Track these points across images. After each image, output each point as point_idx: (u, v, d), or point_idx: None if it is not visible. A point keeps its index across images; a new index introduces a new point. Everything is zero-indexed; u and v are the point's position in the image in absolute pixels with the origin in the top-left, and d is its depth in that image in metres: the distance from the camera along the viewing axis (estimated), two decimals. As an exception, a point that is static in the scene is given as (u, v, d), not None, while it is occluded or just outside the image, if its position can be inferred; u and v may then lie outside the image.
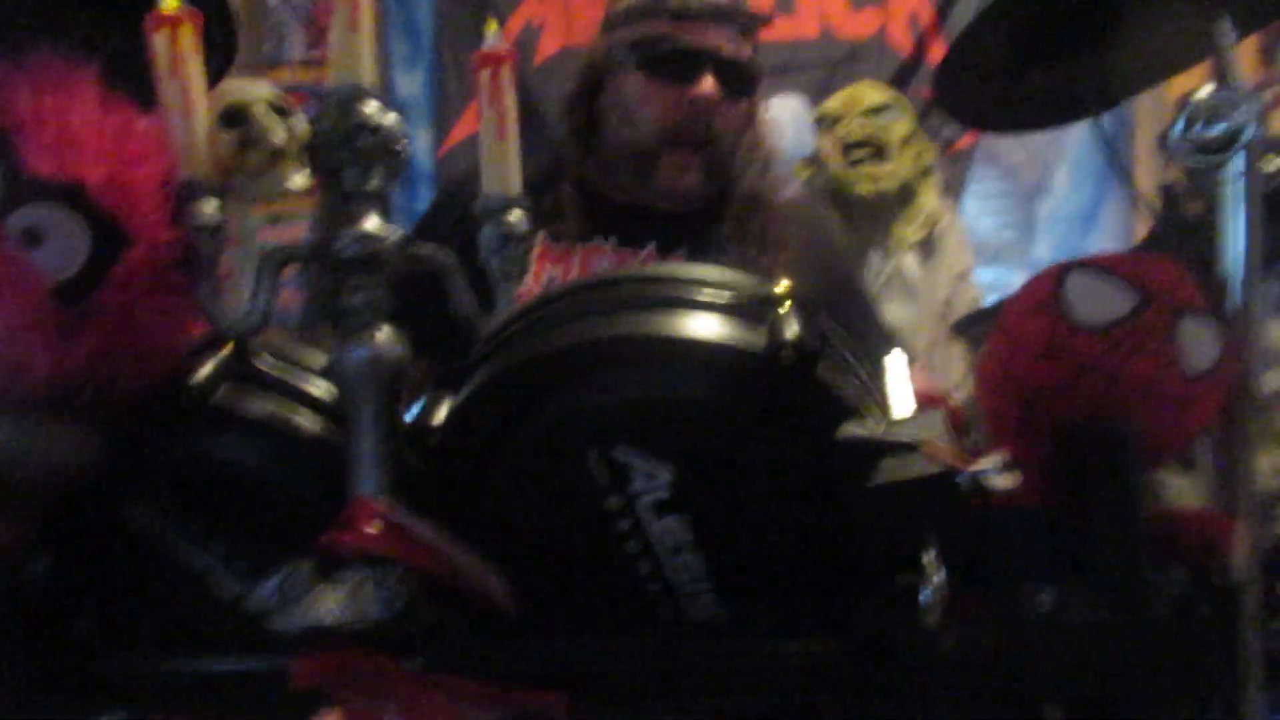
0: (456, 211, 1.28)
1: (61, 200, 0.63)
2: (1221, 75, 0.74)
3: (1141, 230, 2.75)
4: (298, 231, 3.14)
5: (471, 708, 0.62)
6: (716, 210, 1.39)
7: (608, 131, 1.37)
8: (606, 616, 0.68)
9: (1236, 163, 0.72)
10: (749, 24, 1.37)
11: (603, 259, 1.34)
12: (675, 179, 1.35)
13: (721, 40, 1.34)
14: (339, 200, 0.70)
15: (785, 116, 2.99)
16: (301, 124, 0.75)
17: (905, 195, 2.53)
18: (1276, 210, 0.77)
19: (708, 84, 1.31)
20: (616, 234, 1.36)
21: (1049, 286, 0.72)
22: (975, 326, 2.11)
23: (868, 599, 0.64)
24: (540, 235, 1.31)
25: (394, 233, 0.69)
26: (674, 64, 1.32)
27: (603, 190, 1.37)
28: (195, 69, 0.68)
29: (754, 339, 0.61)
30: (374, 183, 0.70)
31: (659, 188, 1.35)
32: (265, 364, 0.73)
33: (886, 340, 1.50)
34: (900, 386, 0.73)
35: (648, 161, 1.34)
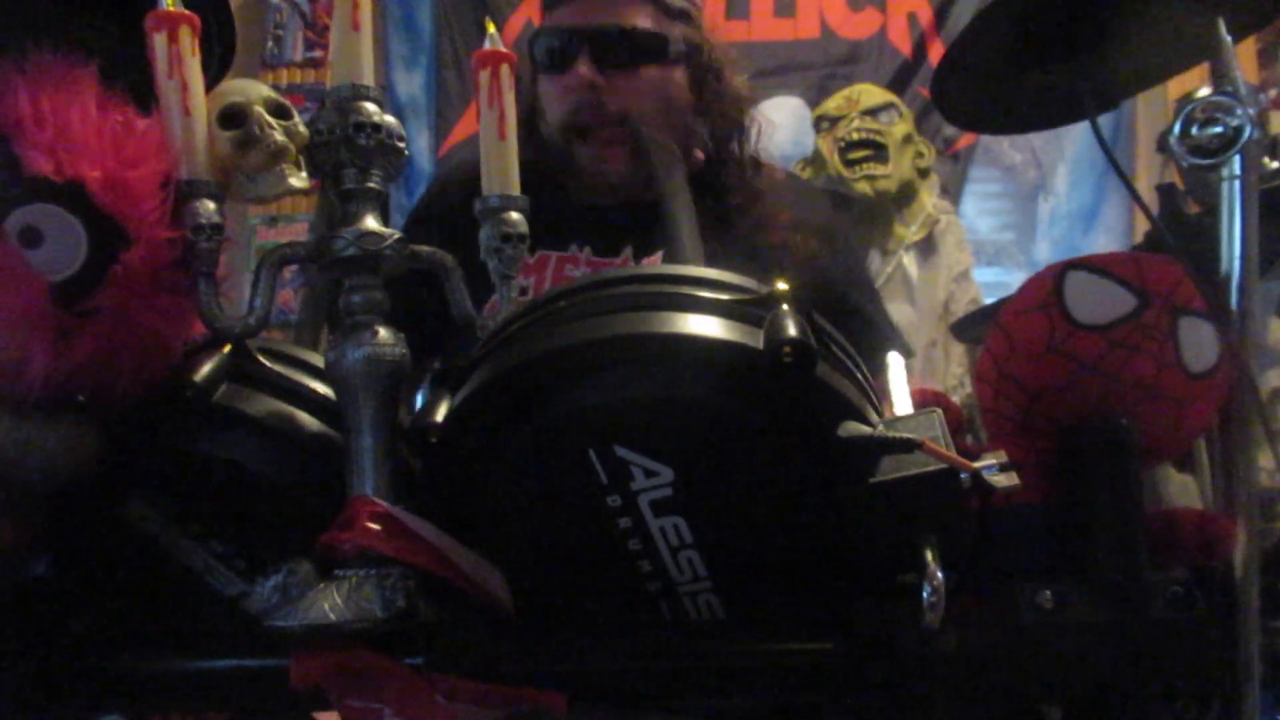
0: (448, 204, 1.22)
1: (61, 200, 0.62)
2: (1220, 76, 0.74)
3: (1141, 230, 2.75)
4: (298, 231, 3.15)
5: (471, 708, 0.62)
6: (702, 198, 1.25)
7: (535, 131, 1.30)
8: (606, 616, 0.68)
9: (1235, 164, 0.72)
10: None
11: (577, 268, 1.28)
12: (597, 169, 1.26)
13: (597, 13, 1.23)
14: (339, 200, 0.70)
15: (785, 116, 3.00)
16: (301, 125, 0.74)
17: (905, 195, 2.53)
18: (1275, 210, 0.77)
19: (581, 67, 1.22)
20: (589, 240, 1.29)
21: (1049, 286, 0.73)
22: (975, 326, 2.12)
23: (868, 599, 0.64)
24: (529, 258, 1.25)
25: (393, 233, 0.69)
26: (552, 53, 1.25)
27: (564, 193, 1.29)
28: (194, 69, 0.68)
29: (753, 338, 0.61)
30: (374, 183, 0.70)
31: (586, 181, 1.27)
32: (265, 364, 0.73)
33: (889, 326, 1.45)
34: (900, 386, 0.73)
35: (566, 157, 1.27)
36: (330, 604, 0.61)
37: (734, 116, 1.32)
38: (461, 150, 3.28)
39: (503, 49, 0.77)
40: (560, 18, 1.25)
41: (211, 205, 0.68)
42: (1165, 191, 1.13)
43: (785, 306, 0.62)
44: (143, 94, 0.68)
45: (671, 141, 1.22)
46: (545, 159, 1.28)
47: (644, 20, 1.24)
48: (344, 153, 0.69)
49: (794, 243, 1.28)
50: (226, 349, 0.71)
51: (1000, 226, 3.36)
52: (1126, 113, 2.98)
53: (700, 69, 1.29)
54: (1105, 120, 0.85)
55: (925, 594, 0.58)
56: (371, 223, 0.69)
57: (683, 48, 1.27)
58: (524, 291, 1.23)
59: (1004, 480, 0.60)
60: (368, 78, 0.70)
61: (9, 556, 0.65)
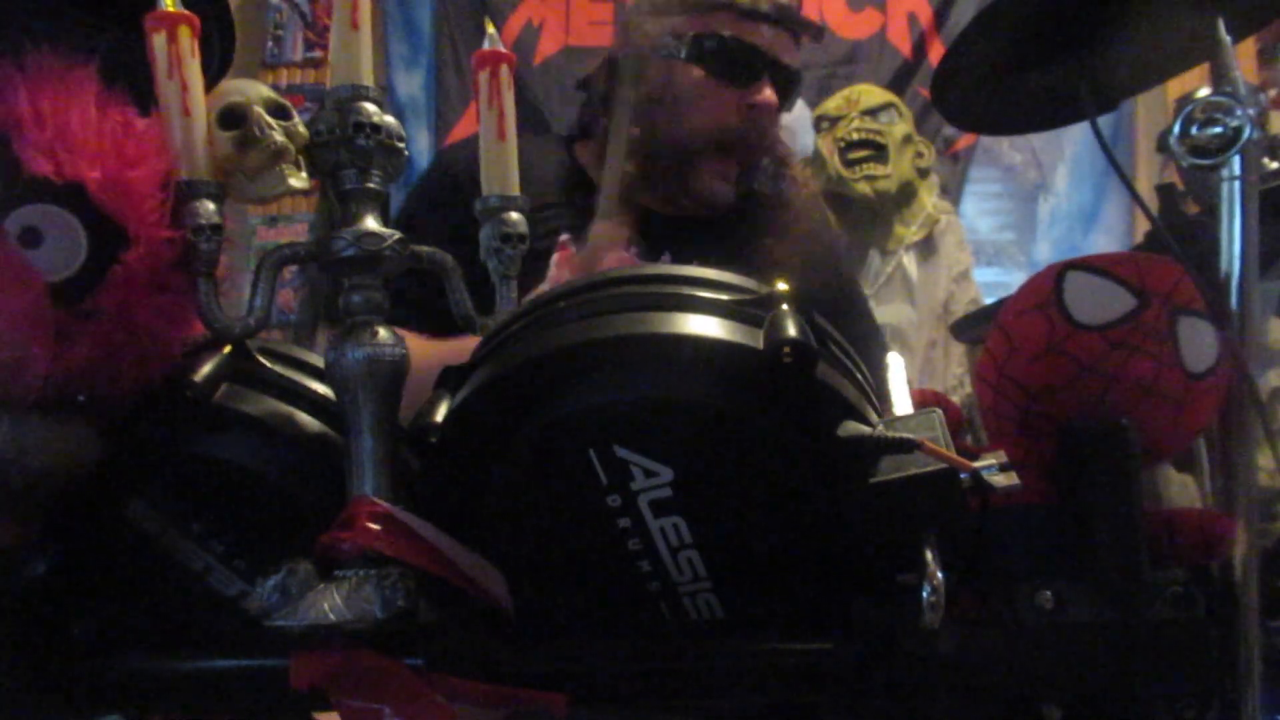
0: (452, 191, 1.22)
1: (61, 200, 0.62)
2: (1220, 76, 0.74)
3: (1141, 230, 2.75)
4: (298, 231, 3.16)
5: (471, 708, 0.62)
6: (737, 220, 1.32)
7: (648, 123, 1.26)
8: (606, 616, 0.68)
9: (1234, 164, 0.72)
10: (806, 31, 1.32)
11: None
12: (712, 185, 1.28)
13: (781, 45, 1.28)
14: (339, 200, 0.70)
15: (784, 116, 3.00)
16: (301, 125, 0.74)
17: (905, 195, 2.53)
18: (1275, 210, 0.77)
19: (768, 91, 1.26)
20: (638, 241, 1.25)
21: (1049, 286, 0.73)
22: (975, 326, 2.12)
23: (868, 599, 0.64)
24: (562, 238, 1.22)
25: (393, 233, 0.69)
26: (737, 65, 1.25)
27: (628, 190, 1.26)
28: (194, 70, 0.68)
29: (753, 339, 0.61)
30: (374, 183, 0.70)
31: (695, 193, 1.28)
32: (265, 364, 0.73)
33: (881, 338, 1.50)
34: (899, 386, 0.73)
35: (687, 163, 1.26)
36: (330, 604, 0.61)
37: (785, 153, 1.38)
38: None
39: (502, 49, 0.77)
40: (754, 34, 1.26)
41: (211, 205, 0.68)
42: (1165, 191, 1.13)
43: (785, 307, 0.62)
44: (143, 94, 0.68)
45: None
46: (651, 152, 1.27)
47: (798, 61, 1.32)
48: (344, 153, 0.69)
49: (801, 249, 1.32)
50: (226, 349, 0.71)
51: (1000, 226, 3.36)
52: (1126, 113, 2.98)
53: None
54: (1105, 120, 0.85)
55: (925, 594, 0.58)
56: (371, 223, 0.69)
57: None
58: None
59: (1004, 480, 0.60)
60: (367, 78, 0.70)
61: (9, 556, 0.65)
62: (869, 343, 1.37)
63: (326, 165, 0.70)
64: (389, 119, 0.70)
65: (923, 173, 2.57)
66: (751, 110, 1.26)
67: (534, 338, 0.65)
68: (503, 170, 0.78)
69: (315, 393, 0.72)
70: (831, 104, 2.64)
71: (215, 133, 0.71)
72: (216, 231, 0.68)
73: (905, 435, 0.61)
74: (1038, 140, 3.22)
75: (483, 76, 0.77)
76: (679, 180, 1.27)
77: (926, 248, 2.53)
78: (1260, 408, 0.72)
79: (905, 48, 3.25)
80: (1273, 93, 2.86)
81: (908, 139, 2.55)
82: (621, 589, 0.67)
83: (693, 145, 1.26)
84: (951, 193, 3.12)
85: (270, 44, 3.36)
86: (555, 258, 1.21)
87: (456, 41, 3.35)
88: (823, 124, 2.61)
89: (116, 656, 0.68)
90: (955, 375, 2.42)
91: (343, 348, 0.67)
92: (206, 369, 0.68)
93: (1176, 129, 0.73)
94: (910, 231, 2.52)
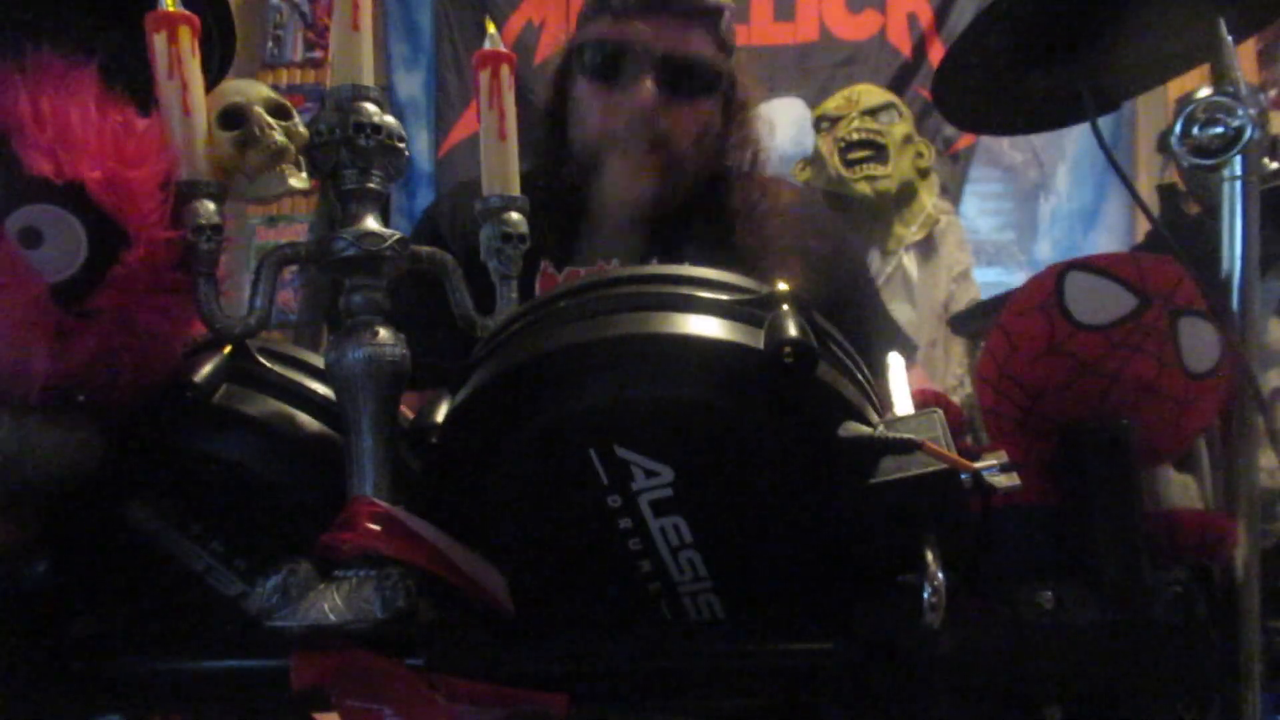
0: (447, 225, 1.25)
1: (61, 201, 0.62)
2: (1220, 77, 0.74)
3: (1141, 230, 2.75)
4: (298, 231, 3.16)
5: (471, 708, 0.62)
6: (715, 215, 1.29)
7: (558, 140, 1.29)
8: (606, 616, 0.68)
9: (1236, 164, 0.72)
10: (698, 14, 1.24)
11: None
12: (624, 183, 1.24)
13: (665, 37, 1.22)
14: (339, 200, 0.70)
15: (785, 117, 3.00)
16: (301, 125, 0.74)
17: (905, 195, 2.53)
18: (1276, 210, 0.77)
19: (644, 88, 1.20)
20: (617, 253, 1.27)
21: (1049, 286, 0.73)
22: (974, 321, 2.12)
23: (868, 599, 0.64)
24: (542, 263, 1.25)
25: (394, 233, 0.69)
26: (610, 66, 1.23)
27: (591, 207, 1.28)
28: (194, 69, 0.68)
29: (754, 339, 0.61)
30: (374, 183, 0.70)
31: (610, 192, 1.25)
32: (265, 364, 0.73)
33: (895, 332, 1.48)
34: (900, 386, 0.73)
35: (595, 166, 1.25)
36: (330, 604, 0.61)
37: (750, 142, 1.32)
38: (462, 150, 3.28)
39: (503, 49, 0.77)
40: (626, 32, 1.23)
41: (211, 205, 0.68)
42: (1165, 191, 1.13)
43: (786, 307, 0.62)
44: (143, 94, 0.68)
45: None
46: (569, 167, 1.27)
47: (708, 52, 1.24)
48: (344, 153, 0.69)
49: (797, 249, 1.29)
50: (227, 349, 0.71)
51: (1000, 226, 3.36)
52: (1126, 113, 2.98)
53: (732, 104, 1.30)
54: (1105, 120, 0.85)
55: (925, 594, 0.58)
56: (372, 223, 0.69)
57: (727, 84, 1.28)
58: None
59: (1004, 480, 0.60)
60: (368, 78, 0.70)
61: (9, 556, 0.65)
62: (880, 340, 1.35)
63: (326, 165, 0.70)
64: (389, 119, 0.70)
65: (923, 173, 2.57)
66: (630, 109, 1.22)
67: (534, 338, 0.65)
68: (503, 170, 0.78)
69: (315, 393, 0.72)
70: (831, 104, 2.64)
71: (215, 133, 0.71)
72: (216, 232, 0.68)
73: (906, 436, 0.61)
74: (1038, 140, 3.22)
75: (483, 76, 0.77)
76: (594, 182, 1.26)
77: (926, 248, 2.53)
78: (1261, 408, 0.72)
79: (905, 48, 3.26)
80: (1273, 93, 2.87)
81: (908, 139, 2.55)
82: (622, 589, 0.67)
83: (592, 148, 1.25)
84: (951, 193, 3.12)
85: (270, 44, 3.37)
86: (539, 285, 1.21)
87: (457, 41, 3.35)
88: (823, 124, 2.61)
89: (116, 656, 0.68)
90: (955, 375, 2.42)
91: (343, 348, 0.67)
92: (206, 369, 0.68)
93: (1178, 129, 0.73)
94: (910, 231, 2.52)
